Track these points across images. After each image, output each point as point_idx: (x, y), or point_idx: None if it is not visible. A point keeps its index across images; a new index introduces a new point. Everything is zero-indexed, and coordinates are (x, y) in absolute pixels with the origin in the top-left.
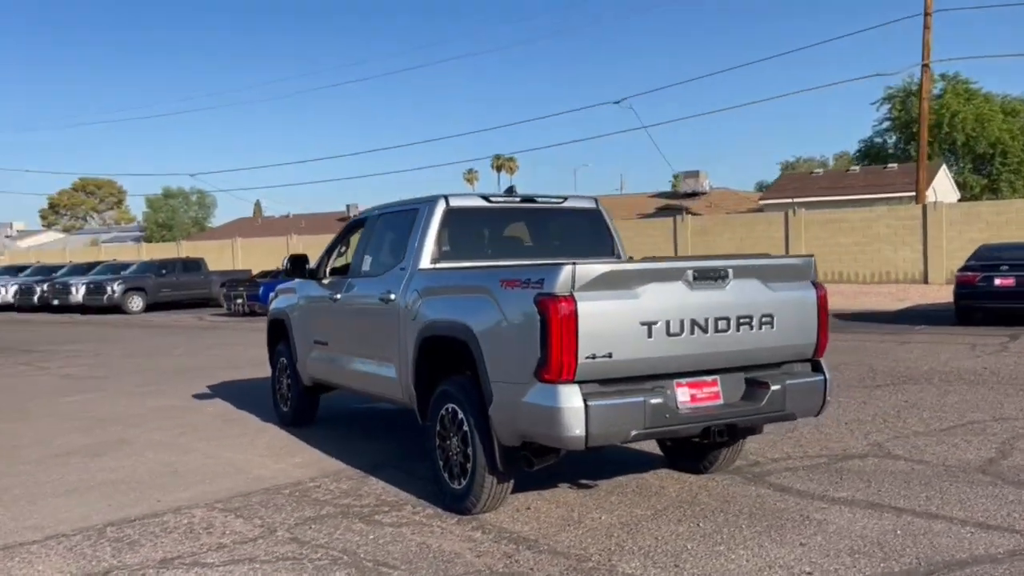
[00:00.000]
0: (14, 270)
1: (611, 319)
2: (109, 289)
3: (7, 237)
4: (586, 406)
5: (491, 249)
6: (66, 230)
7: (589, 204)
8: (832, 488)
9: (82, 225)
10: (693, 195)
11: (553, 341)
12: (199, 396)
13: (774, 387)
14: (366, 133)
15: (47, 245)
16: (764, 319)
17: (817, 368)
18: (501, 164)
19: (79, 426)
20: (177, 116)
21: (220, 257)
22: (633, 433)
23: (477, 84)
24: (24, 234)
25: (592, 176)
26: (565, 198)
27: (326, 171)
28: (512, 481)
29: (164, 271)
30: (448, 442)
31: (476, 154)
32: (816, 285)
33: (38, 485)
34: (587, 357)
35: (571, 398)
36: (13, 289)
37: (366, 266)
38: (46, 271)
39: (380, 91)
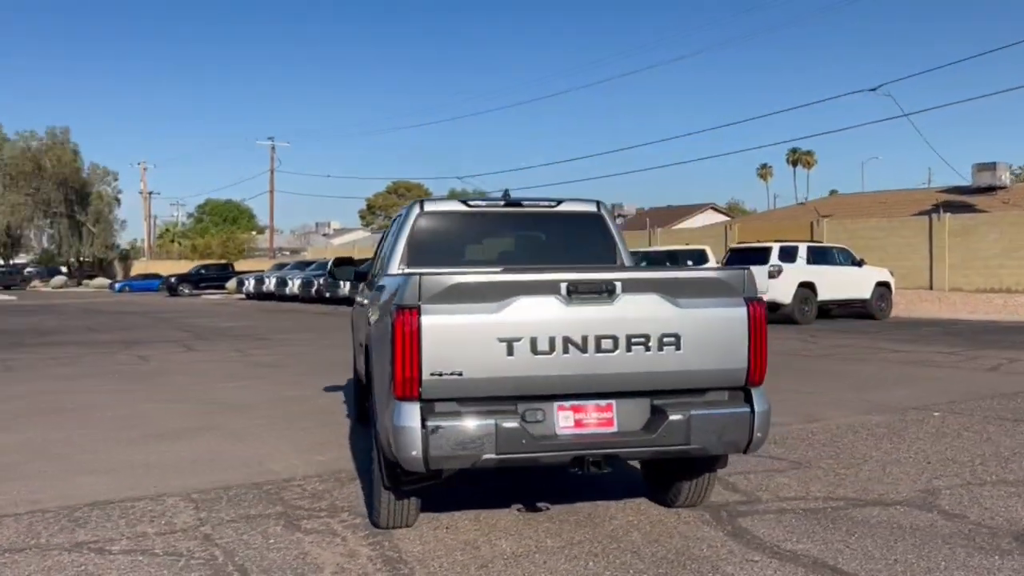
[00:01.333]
0: (303, 265)
1: (463, 334)
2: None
3: (323, 235)
4: (424, 427)
5: (472, 256)
6: (380, 229)
7: (588, 208)
8: (796, 539)
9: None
10: (989, 190)
11: (396, 356)
12: (329, 388)
13: (673, 417)
14: (624, 130)
15: (359, 242)
16: (666, 339)
17: (748, 398)
18: (797, 159)
19: (196, 411)
20: (451, 121)
21: None
22: (485, 457)
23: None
24: (340, 232)
25: (888, 169)
26: (559, 201)
27: (584, 170)
28: (414, 499)
29: None
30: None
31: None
32: (751, 302)
33: (83, 463)
34: (432, 374)
35: (410, 417)
36: (298, 282)
37: (375, 271)
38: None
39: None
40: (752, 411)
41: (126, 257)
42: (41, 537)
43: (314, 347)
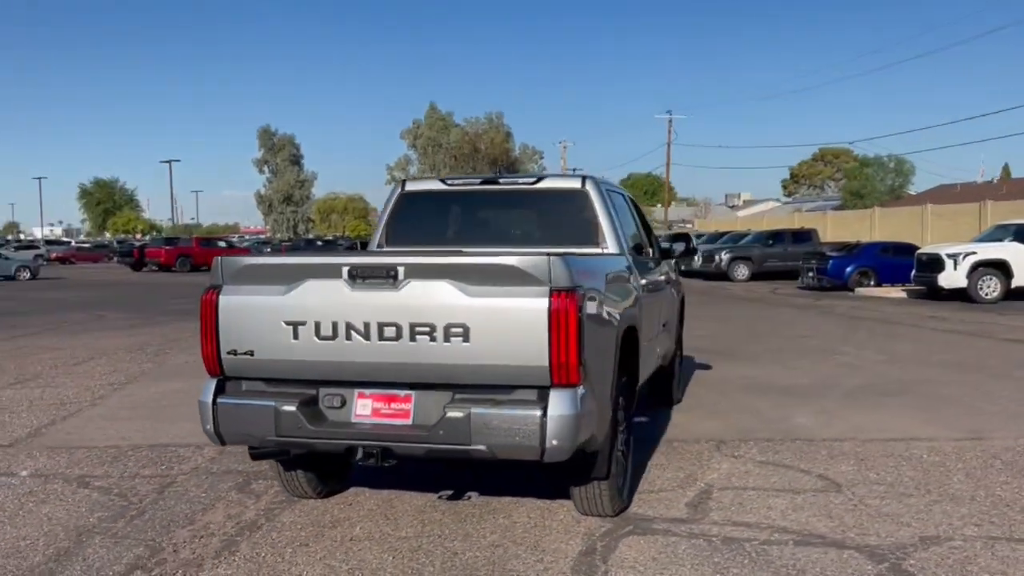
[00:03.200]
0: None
1: (254, 315)
2: (717, 258)
3: (731, 207)
4: (214, 403)
5: (452, 235)
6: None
7: (572, 184)
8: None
9: (817, 194)
10: None
11: (200, 333)
12: None
13: (451, 414)
14: None
15: (767, 214)
16: (453, 330)
17: (545, 398)
18: None
19: None
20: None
21: (907, 226)
22: (269, 438)
23: None
24: (749, 203)
25: None
26: (541, 178)
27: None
28: (302, 471)
29: (772, 242)
30: None
31: None
32: (558, 294)
33: None
34: (228, 352)
35: (206, 393)
36: None
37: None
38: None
39: None
40: (544, 414)
41: None
42: None
43: None
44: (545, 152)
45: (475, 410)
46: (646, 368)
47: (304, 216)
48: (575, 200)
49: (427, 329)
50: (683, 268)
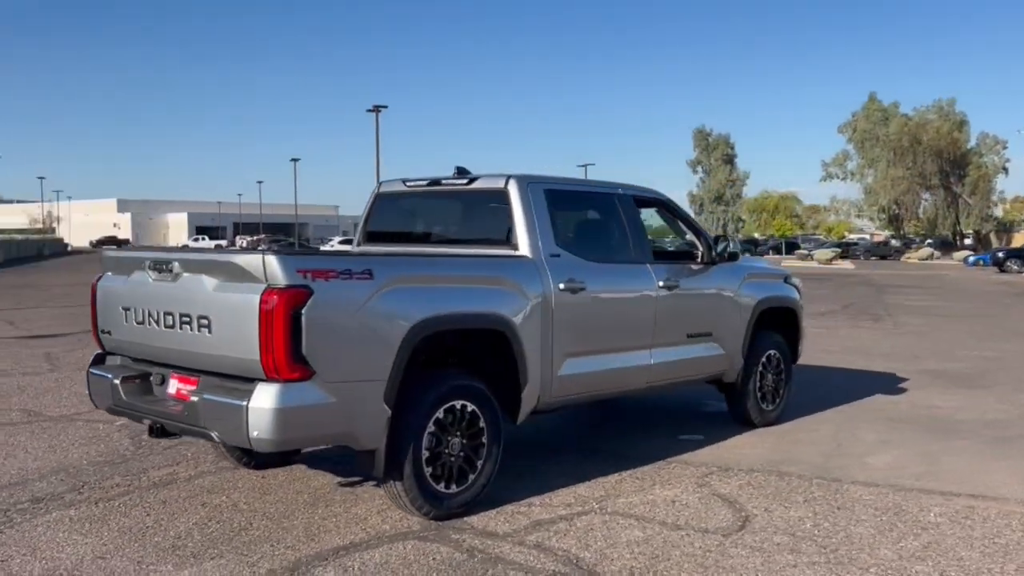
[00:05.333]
0: None
1: (109, 300)
2: None
3: None
4: (88, 374)
5: (411, 234)
6: None
7: (495, 184)
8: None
9: None
10: None
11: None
12: None
13: (192, 399)
14: None
15: None
16: (202, 321)
17: (261, 390)
18: None
19: None
20: None
21: None
22: (110, 407)
23: None
24: None
25: None
26: (476, 178)
27: None
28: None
29: None
30: None
31: None
32: (270, 291)
33: None
34: (101, 331)
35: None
36: None
37: None
38: None
39: None
40: (246, 405)
41: (1008, 228)
42: None
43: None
44: (1011, 141)
45: (205, 396)
46: (554, 377)
47: (734, 216)
48: (497, 201)
49: (188, 319)
50: None
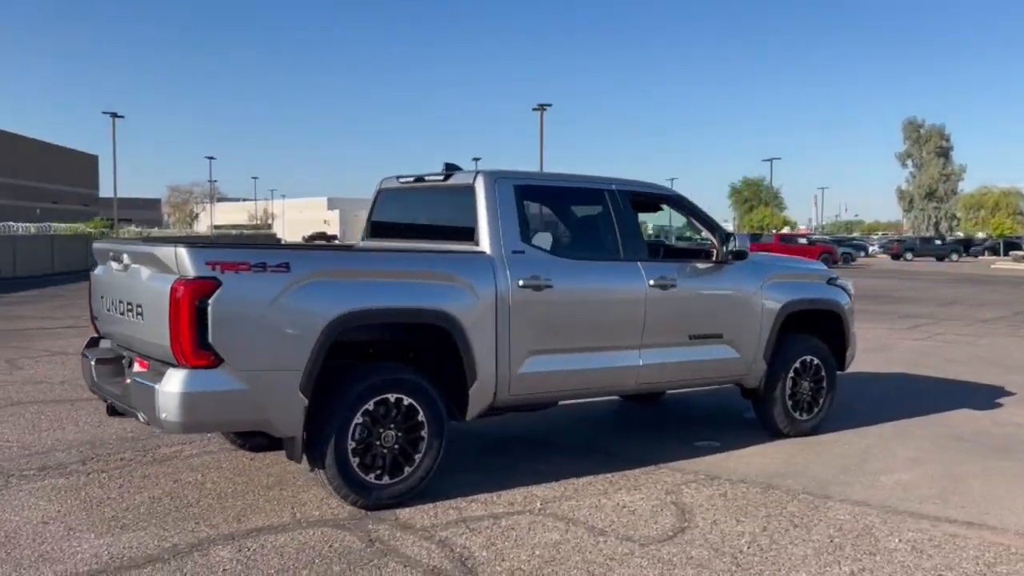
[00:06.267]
0: None
1: (96, 288)
2: None
3: None
4: (83, 356)
5: (406, 231)
6: None
7: (464, 181)
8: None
9: None
10: None
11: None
12: None
13: (128, 380)
14: None
15: None
16: (138, 309)
17: (170, 375)
18: None
19: None
20: None
21: None
22: (91, 388)
23: None
24: None
25: None
26: (450, 175)
27: None
28: None
29: None
30: None
31: None
32: (179, 282)
33: None
34: (95, 318)
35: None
36: None
37: None
38: None
39: None
40: (155, 388)
41: None
42: None
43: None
44: None
45: (135, 379)
46: (507, 372)
47: (947, 213)
48: (465, 197)
49: (130, 307)
50: None
